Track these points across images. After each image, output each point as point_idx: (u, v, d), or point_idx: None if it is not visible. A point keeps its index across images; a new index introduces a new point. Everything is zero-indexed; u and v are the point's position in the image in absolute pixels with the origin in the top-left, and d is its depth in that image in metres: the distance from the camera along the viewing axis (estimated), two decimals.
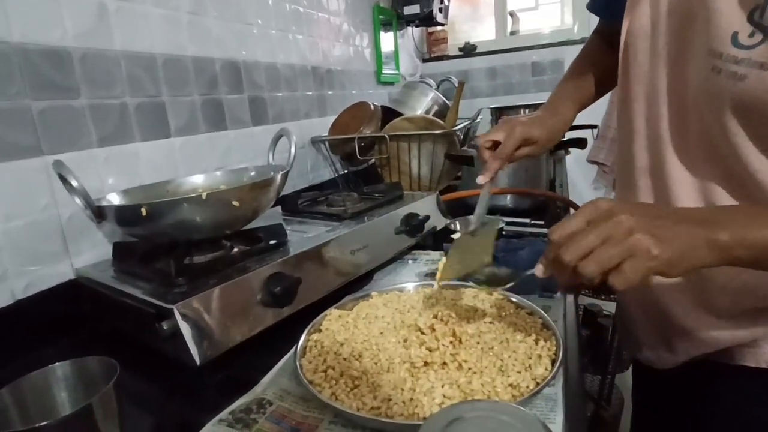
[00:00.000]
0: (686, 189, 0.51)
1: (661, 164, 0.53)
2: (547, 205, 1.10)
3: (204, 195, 0.58)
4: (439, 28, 2.19)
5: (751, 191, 0.46)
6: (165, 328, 0.50)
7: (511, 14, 2.25)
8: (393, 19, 1.85)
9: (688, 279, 0.52)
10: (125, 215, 0.60)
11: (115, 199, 0.69)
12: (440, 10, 1.94)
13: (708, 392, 0.57)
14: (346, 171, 1.35)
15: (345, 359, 0.50)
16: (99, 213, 0.59)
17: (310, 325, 0.57)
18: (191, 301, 0.52)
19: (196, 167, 0.89)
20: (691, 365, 0.57)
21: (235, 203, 0.61)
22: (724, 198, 0.49)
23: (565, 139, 1.39)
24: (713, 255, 0.37)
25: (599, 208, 0.38)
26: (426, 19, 1.92)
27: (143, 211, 0.57)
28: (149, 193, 0.74)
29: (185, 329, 0.50)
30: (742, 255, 0.37)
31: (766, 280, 0.47)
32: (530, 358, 0.46)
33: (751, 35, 0.40)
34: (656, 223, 0.37)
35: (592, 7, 0.75)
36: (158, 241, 0.67)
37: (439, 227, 0.91)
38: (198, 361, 0.51)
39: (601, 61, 0.75)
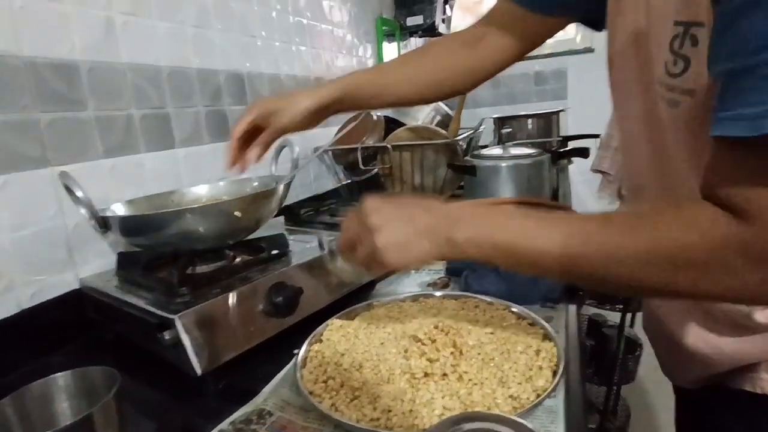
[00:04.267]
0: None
1: (642, 186, 0.54)
2: None
3: (207, 205, 0.59)
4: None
5: None
6: (167, 338, 0.50)
7: None
8: (396, 30, 1.87)
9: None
10: (129, 226, 0.61)
11: (119, 209, 0.70)
12: (443, 20, 1.96)
13: (718, 417, 0.56)
14: (349, 181, 1.36)
15: (345, 370, 0.50)
16: (103, 223, 0.59)
17: (311, 335, 0.57)
18: (193, 311, 0.52)
19: (200, 177, 0.90)
20: (710, 389, 0.56)
21: (238, 214, 0.62)
22: None
23: (568, 148, 1.39)
24: (451, 251, 0.42)
25: (364, 207, 0.44)
26: (429, 30, 1.94)
27: (147, 221, 0.57)
28: (153, 203, 0.74)
29: (186, 339, 0.51)
30: (473, 253, 0.41)
31: None
32: (531, 370, 0.46)
33: (675, 63, 0.41)
34: (397, 227, 0.42)
35: None
36: (162, 251, 0.67)
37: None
38: (199, 371, 0.51)
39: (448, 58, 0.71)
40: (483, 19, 0.73)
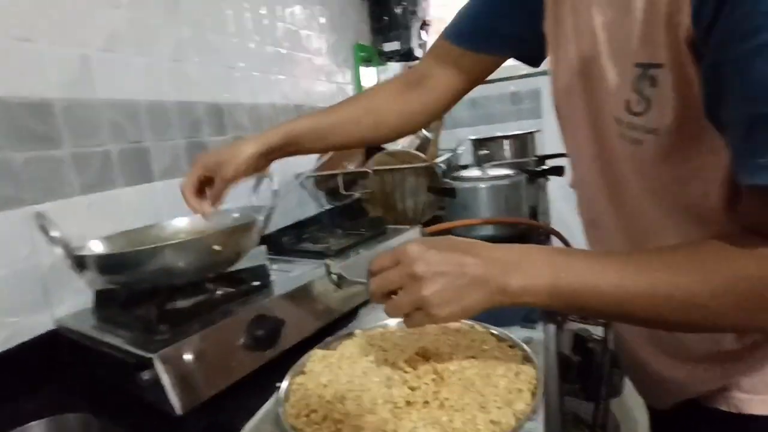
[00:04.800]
0: (614, 241, 0.53)
1: (598, 220, 0.55)
2: (530, 233, 1.11)
3: (185, 241, 0.59)
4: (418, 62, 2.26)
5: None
6: (145, 378, 0.50)
7: None
8: (374, 56, 1.91)
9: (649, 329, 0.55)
10: (106, 264, 0.61)
11: (96, 246, 0.69)
12: (419, 45, 2.01)
13: None
14: (331, 206, 1.37)
15: (328, 402, 0.49)
16: (79, 263, 0.59)
17: (293, 368, 0.57)
18: (172, 348, 0.52)
19: (180, 210, 0.90)
20: (684, 405, 0.56)
21: (217, 248, 0.62)
22: None
23: (544, 167, 1.43)
24: (503, 300, 0.41)
25: (407, 253, 0.42)
26: (406, 55, 1.98)
27: (124, 259, 0.57)
28: (132, 238, 0.74)
29: (165, 378, 0.50)
30: (528, 300, 0.40)
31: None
32: (511, 393, 0.47)
33: (638, 103, 0.42)
34: (447, 279, 0.41)
35: (456, 37, 0.69)
36: (140, 287, 0.67)
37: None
38: (179, 411, 0.50)
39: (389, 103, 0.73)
40: (425, 58, 0.75)
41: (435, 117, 0.76)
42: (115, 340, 0.57)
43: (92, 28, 0.76)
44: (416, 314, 0.43)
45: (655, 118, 0.41)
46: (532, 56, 0.69)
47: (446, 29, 0.71)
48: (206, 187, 0.67)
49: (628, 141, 0.45)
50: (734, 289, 0.34)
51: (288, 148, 0.68)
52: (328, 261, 0.62)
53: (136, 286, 0.66)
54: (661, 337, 0.55)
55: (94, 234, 0.74)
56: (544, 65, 0.64)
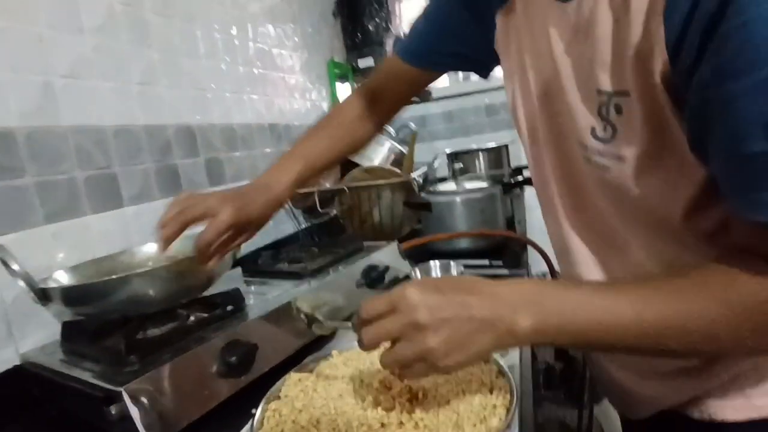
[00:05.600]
0: (586, 264, 0.54)
1: (565, 243, 0.55)
2: (506, 244, 1.13)
3: (155, 269, 0.58)
4: None
5: (641, 267, 0.48)
6: (113, 412, 0.48)
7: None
8: (348, 72, 1.93)
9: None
10: (72, 296, 0.59)
11: (62, 277, 0.67)
12: None
13: None
14: (309, 224, 1.36)
15: (303, 427, 0.49)
16: (43, 296, 0.57)
17: (268, 393, 0.56)
18: (141, 380, 0.51)
19: (152, 235, 0.88)
20: (659, 413, 0.57)
21: (188, 273, 0.61)
22: (618, 271, 0.51)
23: (519, 178, 1.45)
24: (510, 342, 0.39)
25: (406, 298, 0.39)
26: None
27: (91, 290, 0.56)
28: (100, 267, 0.72)
29: (135, 412, 0.48)
30: (537, 340, 0.39)
31: None
32: (485, 409, 0.47)
33: (605, 129, 0.42)
34: (454, 326, 0.38)
35: (405, 53, 0.72)
36: (109, 317, 0.65)
37: (401, 276, 0.92)
38: None
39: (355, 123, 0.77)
40: (378, 72, 0.80)
41: (388, 122, 0.82)
42: (82, 374, 0.55)
43: (55, 54, 0.75)
44: (418, 365, 0.40)
45: (622, 145, 0.41)
46: (481, 70, 0.72)
47: (397, 45, 0.74)
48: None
49: (594, 166, 0.45)
50: (748, 315, 0.34)
51: (305, 174, 0.69)
52: (296, 299, 0.60)
53: (104, 316, 0.64)
54: (629, 358, 0.55)
55: (61, 263, 0.72)
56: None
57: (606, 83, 0.41)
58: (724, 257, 0.37)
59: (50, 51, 0.75)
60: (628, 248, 0.49)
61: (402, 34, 2.09)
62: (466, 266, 0.93)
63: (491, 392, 0.49)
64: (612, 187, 0.45)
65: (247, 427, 0.52)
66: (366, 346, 0.42)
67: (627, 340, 0.37)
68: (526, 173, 1.50)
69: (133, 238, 0.85)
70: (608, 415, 1.52)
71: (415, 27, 0.72)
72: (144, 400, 0.50)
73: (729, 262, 0.36)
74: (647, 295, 0.37)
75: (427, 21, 0.70)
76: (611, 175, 0.43)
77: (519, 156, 1.74)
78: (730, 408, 0.49)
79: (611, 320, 0.37)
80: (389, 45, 1.99)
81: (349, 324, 0.46)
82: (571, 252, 0.55)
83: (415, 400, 0.49)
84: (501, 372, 0.53)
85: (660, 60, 0.35)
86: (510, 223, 1.29)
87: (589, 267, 0.54)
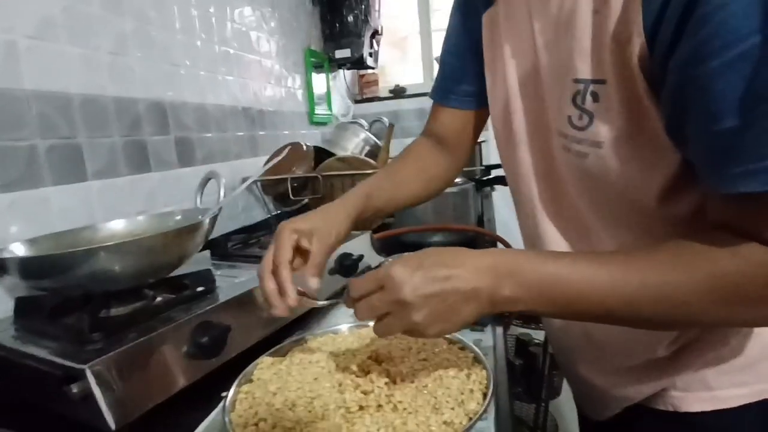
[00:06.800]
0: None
1: (539, 236, 0.56)
2: (476, 240, 1.15)
3: (123, 242, 0.55)
4: (369, 71, 2.28)
5: None
6: (75, 391, 0.45)
7: (438, 60, 2.40)
8: (325, 62, 1.90)
9: (586, 344, 0.57)
10: (31, 268, 0.55)
11: (19, 249, 0.63)
12: (370, 54, 2.03)
13: None
14: (279, 212, 1.34)
15: (278, 409, 0.48)
16: None
17: (240, 376, 0.54)
18: (106, 359, 0.48)
19: (117, 212, 0.84)
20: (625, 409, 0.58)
21: (158, 250, 0.58)
22: None
23: (491, 176, 1.48)
24: (492, 309, 0.41)
25: (391, 277, 0.40)
26: (357, 63, 2.00)
27: (53, 262, 0.52)
28: (61, 241, 0.68)
29: (98, 391, 0.46)
30: (520, 308, 0.41)
31: (647, 335, 0.50)
32: (463, 394, 0.47)
33: (580, 118, 0.44)
34: (437, 300, 0.40)
35: (441, 99, 0.71)
36: (70, 294, 0.61)
37: (373, 265, 0.92)
38: (113, 426, 0.47)
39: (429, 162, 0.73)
40: (429, 123, 0.75)
41: (460, 169, 0.77)
42: (40, 351, 0.52)
43: (20, 13, 0.70)
44: (409, 333, 0.42)
45: (599, 131, 0.43)
46: None
47: (431, 92, 0.74)
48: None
49: (573, 154, 0.47)
50: (714, 286, 0.35)
51: (367, 213, 0.63)
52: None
53: (65, 292, 0.61)
54: (598, 355, 0.57)
55: (16, 237, 0.68)
56: None
57: (584, 72, 0.42)
58: (696, 234, 0.38)
59: (15, 8, 0.70)
60: (600, 242, 0.51)
61: (379, 29, 2.09)
62: None
63: (468, 377, 0.50)
64: (588, 177, 0.47)
65: (218, 408, 0.51)
66: (360, 319, 0.44)
67: (604, 307, 0.39)
68: (497, 172, 1.53)
69: (97, 214, 0.81)
70: (562, 411, 1.58)
71: (440, 69, 0.72)
72: (109, 379, 0.48)
73: (700, 237, 0.37)
74: (624, 265, 0.39)
75: (444, 61, 0.71)
76: (589, 162, 0.45)
77: (491, 154, 1.78)
78: (693, 399, 0.51)
79: (590, 289, 0.39)
80: (367, 38, 1.98)
81: (341, 300, 0.46)
82: (545, 243, 0.56)
83: (393, 384, 0.49)
84: (477, 359, 0.54)
85: (638, 45, 0.37)
86: (480, 221, 1.31)
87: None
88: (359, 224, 0.62)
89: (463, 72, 0.67)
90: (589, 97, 0.43)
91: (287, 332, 0.69)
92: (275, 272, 0.51)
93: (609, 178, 0.45)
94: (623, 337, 0.50)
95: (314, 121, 1.78)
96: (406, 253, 0.46)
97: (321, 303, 0.54)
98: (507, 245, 1.15)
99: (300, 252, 0.54)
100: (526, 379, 1.41)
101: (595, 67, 0.41)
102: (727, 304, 0.36)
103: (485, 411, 0.44)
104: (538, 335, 1.52)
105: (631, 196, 0.45)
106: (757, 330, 0.50)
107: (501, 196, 2.06)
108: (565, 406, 1.63)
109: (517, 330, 1.55)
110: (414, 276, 0.40)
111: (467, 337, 0.59)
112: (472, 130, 0.72)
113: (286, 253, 0.51)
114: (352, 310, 0.45)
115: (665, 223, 0.45)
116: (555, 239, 0.55)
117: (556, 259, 0.41)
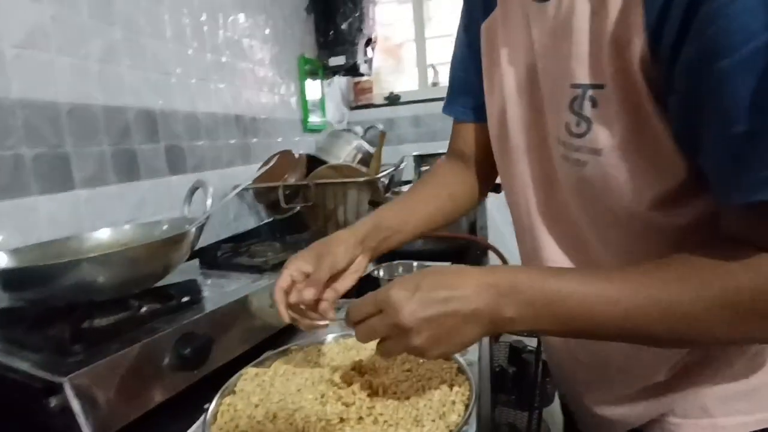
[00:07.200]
0: (555, 263, 0.53)
1: (538, 250, 0.55)
2: (468, 248, 1.15)
3: (107, 254, 0.55)
4: (364, 78, 2.29)
5: None
6: (52, 405, 0.45)
7: (432, 67, 2.41)
8: (319, 69, 1.91)
9: (585, 367, 0.56)
10: (12, 279, 0.55)
11: (2, 259, 0.62)
12: (365, 62, 2.03)
13: None
14: (271, 219, 1.33)
15: (259, 422, 0.47)
16: None
17: (223, 387, 0.54)
18: (86, 371, 0.48)
19: (105, 221, 0.84)
20: None
21: (142, 261, 0.58)
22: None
23: None
24: (495, 330, 0.40)
25: (390, 301, 0.39)
26: (351, 70, 2.00)
27: (34, 274, 0.52)
28: (46, 251, 0.68)
29: (76, 405, 0.46)
30: (523, 328, 0.39)
31: (649, 356, 0.48)
32: (444, 406, 0.47)
33: (578, 124, 0.42)
34: (436, 323, 0.38)
35: (456, 114, 0.70)
36: (53, 305, 0.61)
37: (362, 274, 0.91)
38: None
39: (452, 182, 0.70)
40: (453, 140, 0.74)
41: (489, 185, 0.73)
42: (20, 363, 0.51)
43: (7, 21, 0.70)
44: (410, 354, 0.42)
45: (598, 138, 0.41)
46: None
47: (443, 108, 0.72)
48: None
49: (571, 163, 0.45)
50: (728, 302, 0.34)
51: (377, 235, 0.61)
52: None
53: (47, 303, 0.60)
54: (593, 381, 0.56)
55: (1, 246, 0.67)
56: None
57: (582, 76, 0.41)
58: (707, 246, 0.36)
59: (3, 17, 0.70)
60: (599, 255, 0.49)
61: (374, 36, 2.10)
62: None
63: (451, 389, 0.50)
64: (587, 186, 0.45)
65: (200, 421, 0.50)
66: (361, 342, 0.44)
67: (612, 326, 0.37)
68: None
69: (84, 224, 0.81)
70: (556, 418, 1.57)
71: (452, 82, 0.71)
72: (89, 391, 0.47)
73: (711, 250, 0.35)
74: (633, 281, 0.37)
75: (453, 73, 0.70)
76: (587, 170, 0.43)
77: None
78: (692, 425, 0.50)
79: (594, 307, 0.37)
80: (361, 45, 1.99)
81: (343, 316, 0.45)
82: (544, 256, 0.54)
83: (375, 395, 0.49)
84: (461, 370, 0.54)
85: (638, 46, 0.35)
86: (472, 228, 1.31)
87: (560, 265, 0.53)
88: (377, 250, 0.62)
89: (469, 85, 0.66)
90: (587, 103, 0.41)
91: (272, 343, 0.68)
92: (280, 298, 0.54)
93: (609, 187, 0.43)
94: (623, 358, 0.50)
95: (308, 129, 1.78)
96: (403, 271, 0.45)
97: (322, 322, 0.53)
98: (500, 254, 1.15)
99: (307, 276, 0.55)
100: (518, 386, 1.40)
101: (594, 72, 0.40)
102: (742, 320, 0.34)
103: (466, 423, 0.44)
104: (531, 342, 1.52)
105: (631, 206, 0.43)
106: (763, 354, 0.48)
107: (495, 204, 2.06)
108: (559, 413, 1.63)
109: (510, 337, 1.54)
110: (412, 299, 0.39)
111: None
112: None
113: (282, 282, 0.54)
114: (337, 321, 0.45)
115: (666, 235, 0.43)
116: (553, 252, 0.54)
117: (559, 275, 0.40)
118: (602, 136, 0.41)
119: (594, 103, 0.41)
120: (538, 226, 0.55)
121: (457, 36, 0.69)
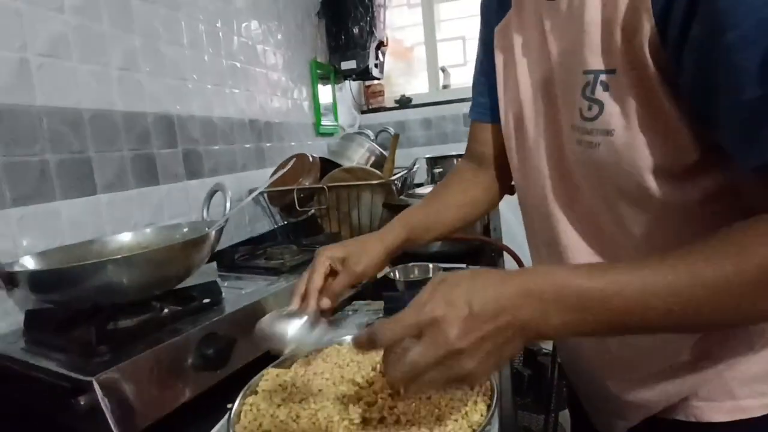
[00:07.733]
0: (578, 251, 0.54)
1: (556, 237, 0.55)
2: (482, 249, 1.14)
3: (130, 256, 0.56)
4: (375, 81, 2.30)
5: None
6: (82, 403, 0.46)
7: (443, 69, 2.42)
8: (331, 73, 1.93)
9: (604, 353, 0.56)
10: (41, 281, 0.56)
11: (29, 263, 0.64)
12: (376, 65, 2.04)
13: None
14: (285, 222, 1.34)
15: (282, 421, 0.48)
16: (10, 280, 0.54)
17: (245, 387, 0.55)
18: (114, 371, 0.49)
19: (125, 224, 0.86)
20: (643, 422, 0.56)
21: (164, 263, 0.59)
22: (609, 260, 0.51)
23: None
24: (538, 339, 0.38)
25: (438, 323, 0.35)
26: (363, 74, 2.01)
27: (61, 275, 0.53)
28: (70, 254, 0.69)
29: (105, 404, 0.47)
30: (566, 336, 0.39)
31: (672, 337, 0.48)
32: (467, 405, 0.47)
33: (590, 108, 0.44)
34: (488, 342, 0.35)
35: (478, 115, 0.71)
36: (78, 306, 0.62)
37: (379, 275, 0.92)
38: None
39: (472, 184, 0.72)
40: (470, 141, 0.75)
41: (507, 186, 0.74)
42: (48, 363, 0.53)
43: (33, 31, 0.72)
44: (455, 384, 0.39)
45: (610, 119, 0.43)
46: None
47: (470, 111, 0.73)
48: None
49: (584, 146, 0.46)
50: (764, 277, 0.32)
51: (405, 243, 0.64)
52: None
53: (73, 305, 0.61)
54: (616, 363, 0.55)
55: (27, 250, 0.69)
56: None
57: (594, 63, 0.43)
58: (750, 220, 0.35)
59: (28, 27, 0.72)
60: (615, 239, 0.50)
61: (384, 40, 2.11)
62: (444, 269, 0.94)
63: (472, 388, 0.50)
64: (600, 168, 0.46)
65: (224, 421, 0.51)
66: (391, 375, 0.38)
67: (664, 314, 0.35)
68: None
69: (106, 227, 0.82)
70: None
71: (474, 86, 0.72)
72: (116, 391, 0.48)
73: (742, 226, 0.35)
74: (678, 270, 0.35)
75: (476, 76, 0.71)
76: (600, 152, 0.45)
77: None
78: (716, 408, 0.49)
79: (647, 297, 0.35)
80: (372, 49, 2.00)
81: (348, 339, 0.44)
82: (563, 244, 0.54)
83: (396, 395, 0.49)
84: None
85: (648, 31, 0.37)
86: (486, 230, 1.31)
87: (581, 255, 0.53)
88: (398, 252, 0.64)
89: (488, 86, 0.67)
90: (599, 87, 0.43)
91: None
92: (305, 297, 0.56)
93: (621, 167, 0.44)
94: (646, 341, 0.49)
95: (320, 132, 1.79)
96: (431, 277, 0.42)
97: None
98: (514, 255, 1.15)
99: (333, 274, 0.59)
100: (534, 389, 1.39)
101: (605, 58, 0.42)
102: None
103: (489, 423, 0.44)
104: (547, 345, 1.51)
105: (644, 185, 0.43)
106: None
107: (507, 205, 2.06)
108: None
109: None
110: (463, 315, 0.35)
111: None
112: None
113: (318, 280, 0.57)
114: (357, 321, 0.44)
115: (679, 212, 0.44)
116: (571, 237, 0.54)
117: (604, 270, 0.37)
118: (614, 118, 0.43)
119: (605, 87, 0.43)
120: (555, 213, 0.55)
121: (478, 42, 0.70)
